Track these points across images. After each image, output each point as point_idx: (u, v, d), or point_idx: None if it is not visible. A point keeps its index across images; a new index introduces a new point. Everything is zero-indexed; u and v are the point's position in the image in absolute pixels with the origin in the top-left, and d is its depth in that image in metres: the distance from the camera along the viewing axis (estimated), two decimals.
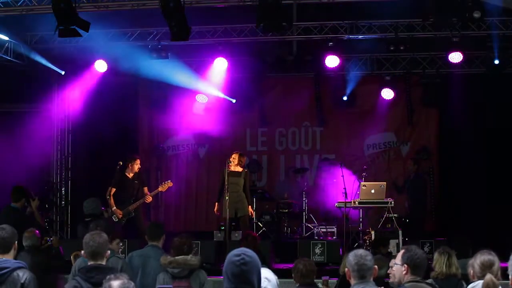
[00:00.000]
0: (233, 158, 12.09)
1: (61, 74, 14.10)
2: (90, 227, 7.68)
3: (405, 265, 5.00)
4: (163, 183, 12.24)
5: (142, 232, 11.80)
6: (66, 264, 9.21)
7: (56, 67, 13.89)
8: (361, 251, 4.76)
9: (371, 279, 4.71)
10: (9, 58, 12.93)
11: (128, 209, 11.90)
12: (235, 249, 3.73)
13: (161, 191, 12.38)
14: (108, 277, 4.06)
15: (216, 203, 12.22)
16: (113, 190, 11.97)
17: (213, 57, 13.51)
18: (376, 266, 4.78)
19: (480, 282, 5.03)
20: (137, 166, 12.04)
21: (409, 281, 4.93)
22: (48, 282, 7.02)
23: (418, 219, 13.21)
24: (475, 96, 14.07)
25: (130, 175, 12.08)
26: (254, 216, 12.75)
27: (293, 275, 6.52)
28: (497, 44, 12.56)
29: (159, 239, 7.38)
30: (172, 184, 12.27)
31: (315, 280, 6.64)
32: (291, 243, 12.46)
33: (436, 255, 6.72)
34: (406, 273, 4.98)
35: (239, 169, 12.11)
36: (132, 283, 4.05)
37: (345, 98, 14.79)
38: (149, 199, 12.05)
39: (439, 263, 6.60)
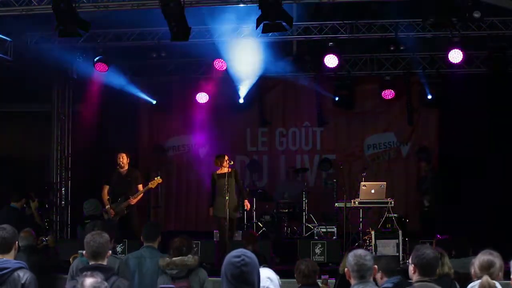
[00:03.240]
0: (227, 160, 12.18)
1: (61, 74, 14.09)
2: (87, 227, 7.67)
3: (413, 264, 5.01)
4: (152, 180, 12.19)
5: (136, 231, 11.80)
6: (62, 264, 9.21)
7: (56, 67, 13.89)
8: (360, 251, 4.77)
9: (371, 278, 4.71)
10: (9, 58, 12.92)
11: (120, 207, 11.88)
12: (233, 250, 3.74)
13: (151, 188, 12.31)
14: (84, 273, 4.08)
15: (211, 208, 12.25)
16: (105, 187, 11.98)
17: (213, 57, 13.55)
18: (376, 266, 4.78)
19: (479, 282, 5.03)
20: (119, 160, 12.01)
21: (418, 281, 4.93)
22: (44, 282, 6.99)
23: (433, 218, 13.27)
24: (475, 96, 14.07)
25: (122, 172, 12.08)
26: (249, 208, 12.87)
27: (295, 275, 6.53)
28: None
29: (155, 240, 7.31)
30: (161, 180, 12.23)
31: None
32: (291, 243, 12.47)
33: None
34: (414, 273, 4.99)
35: (228, 169, 12.20)
36: (106, 283, 4.06)
37: (336, 98, 14.80)
38: (132, 201, 11.93)
39: None
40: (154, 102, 15.26)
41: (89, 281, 3.99)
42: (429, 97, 14.41)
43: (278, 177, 15.61)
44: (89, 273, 4.08)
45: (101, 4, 10.58)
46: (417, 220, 13.74)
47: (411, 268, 5.05)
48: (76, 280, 5.32)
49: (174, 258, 6.58)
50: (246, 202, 12.50)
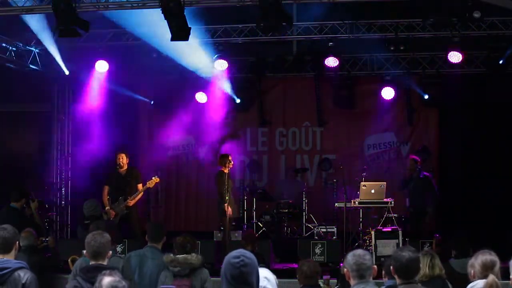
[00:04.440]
0: (230, 160, 12.23)
1: (61, 74, 14.08)
2: (90, 227, 7.67)
3: (391, 266, 4.98)
4: (149, 180, 12.21)
5: (136, 231, 11.82)
6: (62, 264, 9.22)
7: (56, 67, 13.89)
8: (359, 251, 4.75)
9: (371, 278, 4.70)
10: (9, 58, 12.92)
11: (120, 208, 11.88)
12: (233, 251, 3.74)
13: (149, 187, 12.35)
14: (103, 271, 4.07)
15: (226, 204, 12.26)
16: (106, 188, 12.00)
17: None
18: (375, 266, 4.77)
19: (480, 281, 5.03)
20: (119, 161, 12.05)
21: (401, 284, 4.89)
22: (44, 282, 7.02)
23: (419, 219, 13.21)
24: (475, 96, 14.08)
25: (122, 172, 12.09)
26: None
27: (297, 276, 6.54)
28: None
29: (159, 241, 7.32)
30: (158, 179, 12.27)
31: None
32: (291, 243, 12.48)
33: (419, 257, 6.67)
34: (394, 274, 4.96)
35: (228, 170, 12.27)
36: (124, 282, 4.05)
37: (336, 98, 14.79)
38: (130, 203, 11.97)
39: (422, 265, 6.54)
40: (152, 102, 15.29)
41: (107, 279, 3.98)
42: (426, 97, 14.39)
43: (278, 177, 15.60)
44: (107, 271, 4.06)
45: (101, 4, 10.57)
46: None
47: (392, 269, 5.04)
48: (77, 280, 5.35)
49: (177, 256, 6.59)
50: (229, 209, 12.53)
